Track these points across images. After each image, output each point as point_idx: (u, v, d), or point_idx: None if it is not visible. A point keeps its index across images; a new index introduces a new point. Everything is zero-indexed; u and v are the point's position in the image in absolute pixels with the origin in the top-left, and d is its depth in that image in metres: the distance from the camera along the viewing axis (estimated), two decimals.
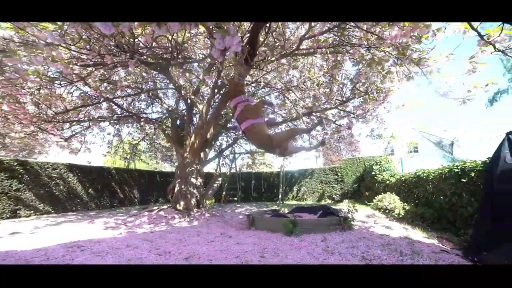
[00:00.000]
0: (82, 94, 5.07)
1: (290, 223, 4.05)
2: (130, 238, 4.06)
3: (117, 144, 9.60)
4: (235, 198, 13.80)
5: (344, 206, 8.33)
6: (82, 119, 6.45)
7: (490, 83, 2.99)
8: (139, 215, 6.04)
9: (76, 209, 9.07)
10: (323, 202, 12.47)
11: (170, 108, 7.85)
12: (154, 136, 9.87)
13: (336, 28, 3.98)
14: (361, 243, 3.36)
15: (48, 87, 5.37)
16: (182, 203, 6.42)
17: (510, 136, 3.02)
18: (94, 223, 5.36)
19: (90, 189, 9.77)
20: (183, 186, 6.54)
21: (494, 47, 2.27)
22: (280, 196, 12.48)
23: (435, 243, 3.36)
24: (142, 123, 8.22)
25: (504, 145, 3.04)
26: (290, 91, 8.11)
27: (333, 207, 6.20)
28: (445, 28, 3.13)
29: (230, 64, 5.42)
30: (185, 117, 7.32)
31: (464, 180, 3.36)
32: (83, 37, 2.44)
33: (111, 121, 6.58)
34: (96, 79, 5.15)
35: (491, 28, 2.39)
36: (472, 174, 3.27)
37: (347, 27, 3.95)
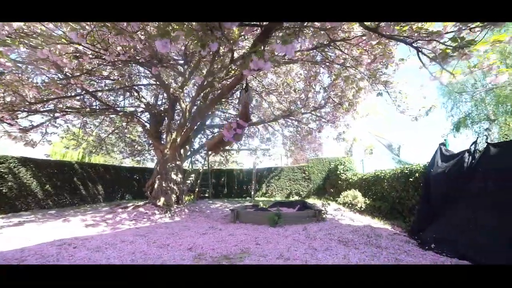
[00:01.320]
0: (59, 83, 4.67)
1: (275, 215, 4.57)
2: (119, 234, 4.06)
3: (82, 136, 8.85)
4: (206, 195, 13.89)
5: (311, 201, 9.26)
6: (50, 108, 5.89)
7: (432, 106, 3.93)
8: (117, 212, 5.86)
9: (29, 208, 8.12)
10: (291, 199, 13.44)
11: (148, 103, 7.65)
12: (125, 130, 9.36)
13: (320, 47, 4.61)
14: (335, 231, 4.05)
15: (14, 72, 4.87)
16: (162, 199, 6.42)
17: (441, 146, 4.04)
18: (69, 221, 5.06)
19: (47, 186, 8.83)
20: (163, 182, 6.53)
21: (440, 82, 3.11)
22: (253, 193, 13.03)
23: (389, 228, 4.26)
24: (118, 116, 7.78)
25: (437, 153, 4.04)
26: (270, 94, 8.66)
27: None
28: (405, 60, 4.00)
29: (219, 66, 5.67)
30: (166, 113, 7.25)
31: (411, 179, 4.34)
32: (102, 37, 2.48)
33: (87, 113, 6.13)
34: (74, 68, 4.85)
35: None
36: (417, 174, 4.25)
37: (329, 46, 4.60)
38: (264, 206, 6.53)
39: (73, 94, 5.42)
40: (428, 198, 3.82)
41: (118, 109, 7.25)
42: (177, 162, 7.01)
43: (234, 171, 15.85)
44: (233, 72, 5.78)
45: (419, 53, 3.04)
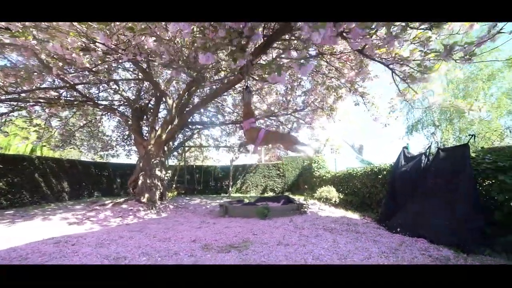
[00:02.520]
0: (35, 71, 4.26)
1: (265, 209, 4.97)
2: (113, 231, 4.03)
3: (47, 128, 8.06)
4: (182, 191, 13.69)
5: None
6: (20, 97, 5.33)
7: (397, 116, 4.73)
8: (98, 210, 5.64)
9: None
10: (266, 194, 14.03)
11: (128, 97, 7.36)
12: (99, 124, 8.78)
13: (309, 58, 5.11)
14: (318, 221, 4.62)
15: None
16: (147, 195, 6.33)
17: (404, 149, 4.87)
18: (50, 220, 4.74)
19: (1, 183, 7.86)
20: (147, 179, 6.44)
21: (404, 99, 3.84)
22: (230, 189, 13.29)
23: (361, 218, 5.00)
24: (92, 109, 7.29)
25: (401, 155, 4.87)
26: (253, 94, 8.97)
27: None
28: (377, 76, 4.72)
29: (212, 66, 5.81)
30: (149, 109, 7.08)
31: (380, 177, 5.15)
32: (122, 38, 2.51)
33: (63, 104, 5.64)
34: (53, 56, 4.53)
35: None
36: (384, 172, 5.06)
37: (317, 58, 5.12)
38: (250, 201, 6.89)
39: (51, 84, 4.99)
40: (393, 192, 4.60)
41: (97, 102, 6.82)
42: (162, 159, 6.93)
43: (210, 168, 15.87)
44: (224, 72, 5.95)
45: (393, 73, 3.70)
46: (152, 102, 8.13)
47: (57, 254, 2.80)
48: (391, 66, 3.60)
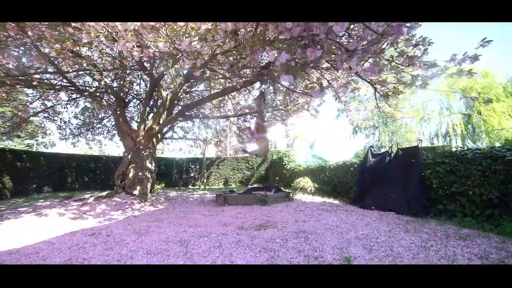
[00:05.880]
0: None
1: (265, 197, 5.71)
2: (131, 223, 4.09)
3: None
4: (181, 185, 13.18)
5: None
6: None
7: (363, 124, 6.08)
8: (90, 204, 5.32)
9: None
10: (232, 186, 14.66)
11: (110, 85, 6.84)
12: (64, 109, 7.73)
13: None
14: (309, 205, 5.64)
15: None
16: (138, 188, 6.20)
17: (371, 148, 6.32)
18: (47, 216, 4.30)
19: None
20: (139, 171, 6.29)
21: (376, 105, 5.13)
22: (204, 181, 13.39)
23: (338, 202, 6.27)
24: (83, 97, 6.44)
25: (369, 152, 6.29)
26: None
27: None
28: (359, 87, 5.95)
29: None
30: (142, 101, 6.79)
31: (352, 169, 6.51)
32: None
33: (43, 87, 4.88)
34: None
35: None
36: (355, 165, 6.45)
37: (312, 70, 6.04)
38: (241, 191, 7.50)
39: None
40: (363, 181, 5.99)
41: (80, 88, 6.09)
42: (151, 150, 6.81)
43: (179, 160, 15.48)
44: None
45: (376, 91, 4.89)
46: (132, 92, 7.71)
47: (110, 243, 2.91)
48: (375, 86, 4.77)
